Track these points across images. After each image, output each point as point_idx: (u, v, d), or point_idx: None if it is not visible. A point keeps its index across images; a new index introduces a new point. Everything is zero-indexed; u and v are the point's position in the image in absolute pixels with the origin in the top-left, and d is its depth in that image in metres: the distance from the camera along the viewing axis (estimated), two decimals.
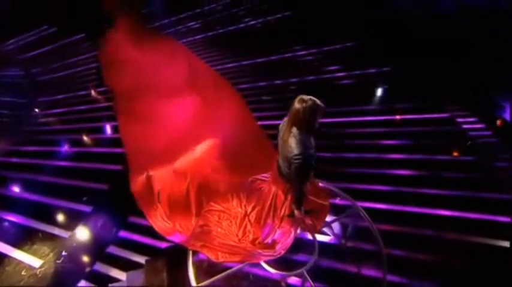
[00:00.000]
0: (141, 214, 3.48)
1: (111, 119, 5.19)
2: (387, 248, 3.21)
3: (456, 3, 7.22)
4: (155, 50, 6.11)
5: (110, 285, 3.22)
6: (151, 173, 3.63)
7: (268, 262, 2.98)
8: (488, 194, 4.00)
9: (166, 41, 6.95)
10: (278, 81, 6.15)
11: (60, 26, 7.60)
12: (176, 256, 3.14)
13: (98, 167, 4.53)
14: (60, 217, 3.94)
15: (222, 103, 4.90)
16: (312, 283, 2.86)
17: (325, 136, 4.58)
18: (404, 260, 3.39)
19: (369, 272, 3.27)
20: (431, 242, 3.56)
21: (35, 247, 3.61)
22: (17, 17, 7.64)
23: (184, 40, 7.37)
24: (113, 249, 3.61)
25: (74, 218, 3.87)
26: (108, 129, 5.29)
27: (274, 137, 2.72)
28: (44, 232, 3.76)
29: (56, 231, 3.76)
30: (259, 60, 6.73)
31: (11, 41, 7.39)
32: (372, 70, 6.33)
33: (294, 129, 2.40)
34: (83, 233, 3.67)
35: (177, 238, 3.30)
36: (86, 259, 3.51)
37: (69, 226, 3.80)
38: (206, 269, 3.10)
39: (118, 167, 4.33)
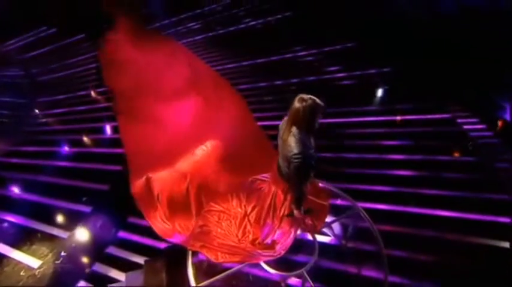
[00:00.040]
0: (140, 215, 3.48)
1: (111, 119, 5.19)
2: (388, 249, 3.20)
3: (456, 4, 7.22)
4: (155, 51, 6.12)
5: (109, 285, 3.21)
6: (151, 175, 3.62)
7: (268, 263, 2.96)
8: (488, 195, 3.99)
9: (166, 41, 6.96)
10: (278, 82, 6.15)
11: (59, 26, 7.60)
12: (175, 256, 3.13)
13: (97, 167, 4.52)
14: (60, 218, 3.93)
15: (222, 104, 4.90)
16: (312, 283, 2.84)
17: (325, 136, 4.57)
18: (404, 260, 3.38)
19: (369, 273, 3.26)
20: (431, 242, 3.54)
21: (33, 247, 3.59)
22: (16, 18, 7.64)
23: (185, 41, 7.38)
24: (112, 249, 3.59)
25: (73, 219, 3.85)
26: (108, 129, 5.28)
27: (275, 137, 2.71)
28: (43, 233, 3.74)
29: (55, 231, 3.75)
30: (259, 60, 6.73)
31: (10, 42, 7.39)
32: (372, 71, 6.32)
33: (294, 129, 2.38)
34: (82, 234, 3.65)
35: (177, 239, 3.29)
36: (85, 259, 3.49)
37: (69, 226, 3.79)
38: (206, 269, 3.09)
39: (118, 167, 4.32)
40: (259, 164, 3.40)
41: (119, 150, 4.43)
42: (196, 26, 8.13)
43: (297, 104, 2.35)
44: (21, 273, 3.35)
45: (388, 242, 3.25)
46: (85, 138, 5.04)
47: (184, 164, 3.79)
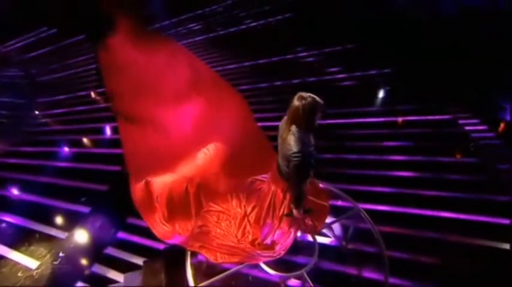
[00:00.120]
0: (139, 216, 3.45)
1: (110, 120, 5.18)
2: (388, 250, 3.17)
3: (456, 5, 7.21)
4: (155, 52, 6.11)
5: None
6: (150, 178, 3.59)
7: (267, 263, 2.94)
8: (490, 196, 3.97)
9: (166, 42, 6.95)
10: (279, 83, 6.14)
11: (60, 27, 7.61)
12: (174, 257, 3.11)
13: (97, 168, 4.51)
14: (58, 218, 3.91)
15: (223, 104, 4.88)
16: (311, 285, 2.82)
17: (326, 137, 4.56)
18: (405, 262, 3.36)
19: (370, 274, 3.24)
20: (432, 244, 3.52)
21: (32, 248, 3.58)
22: (17, 18, 7.65)
23: (185, 41, 7.38)
24: (110, 250, 3.58)
25: (72, 219, 3.84)
26: (108, 130, 5.27)
27: (275, 138, 2.69)
28: (41, 233, 3.73)
29: (53, 232, 3.74)
30: (260, 61, 6.72)
31: (10, 42, 7.39)
32: (373, 71, 6.31)
33: (293, 127, 2.35)
34: (80, 234, 3.63)
35: (177, 241, 3.27)
36: (83, 260, 3.47)
37: (67, 227, 3.77)
38: (205, 270, 3.06)
39: (117, 168, 4.31)
40: (259, 165, 3.38)
41: (118, 150, 4.41)
42: (196, 27, 8.13)
43: (296, 102, 2.33)
44: (19, 274, 3.33)
45: (389, 243, 3.22)
46: (85, 139, 5.03)
47: (186, 168, 3.77)
